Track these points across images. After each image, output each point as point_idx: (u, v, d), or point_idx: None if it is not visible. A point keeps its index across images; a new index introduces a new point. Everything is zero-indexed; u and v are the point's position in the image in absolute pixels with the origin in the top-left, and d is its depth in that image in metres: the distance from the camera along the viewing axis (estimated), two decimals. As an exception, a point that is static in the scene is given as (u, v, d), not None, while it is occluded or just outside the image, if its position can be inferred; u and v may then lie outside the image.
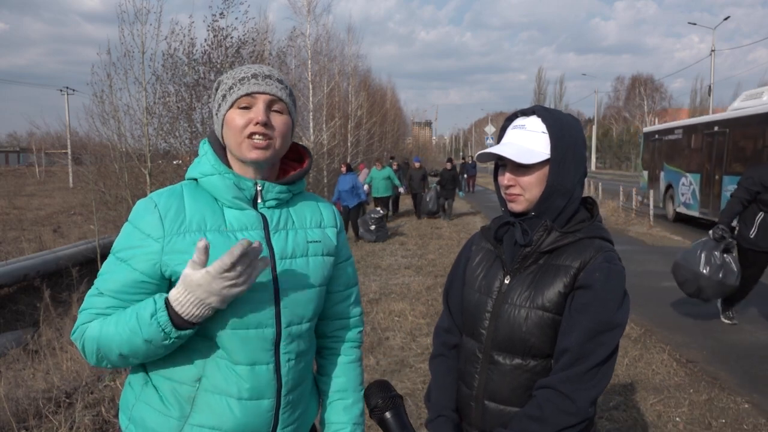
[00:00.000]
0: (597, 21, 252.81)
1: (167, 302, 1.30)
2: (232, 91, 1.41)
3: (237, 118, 1.40)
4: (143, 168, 10.27)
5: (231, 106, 1.41)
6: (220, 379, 1.40)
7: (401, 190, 15.87)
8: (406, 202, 19.78)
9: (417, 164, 17.27)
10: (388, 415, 1.36)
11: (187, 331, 1.31)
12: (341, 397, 1.62)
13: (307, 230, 1.53)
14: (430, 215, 16.35)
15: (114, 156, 10.92)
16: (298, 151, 1.60)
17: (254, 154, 1.40)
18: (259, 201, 1.46)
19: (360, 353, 1.71)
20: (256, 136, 1.39)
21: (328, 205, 1.65)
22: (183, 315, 1.29)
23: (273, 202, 1.48)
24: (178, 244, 1.36)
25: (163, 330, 1.29)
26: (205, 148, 1.49)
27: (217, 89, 1.47)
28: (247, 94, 1.40)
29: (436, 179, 16.83)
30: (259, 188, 1.46)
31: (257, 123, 1.38)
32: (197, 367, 1.41)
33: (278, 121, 1.42)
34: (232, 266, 1.25)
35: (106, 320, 1.35)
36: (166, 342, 1.31)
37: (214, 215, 1.41)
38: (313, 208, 1.58)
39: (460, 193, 17.52)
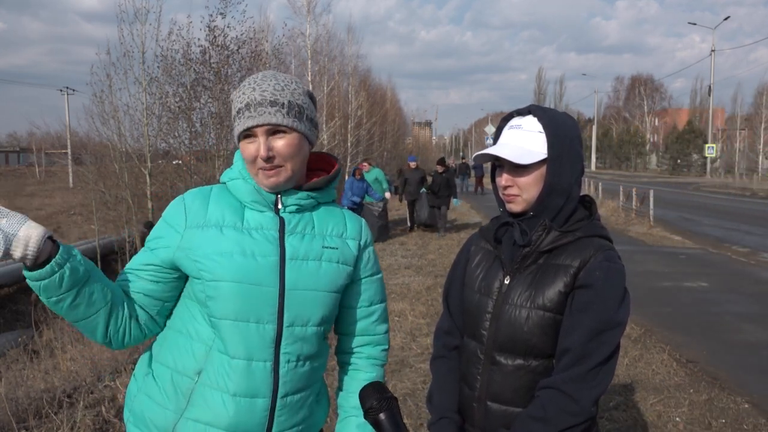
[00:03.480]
0: (598, 20, 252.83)
1: None
2: (236, 122, 1.45)
3: (246, 148, 1.44)
4: (143, 168, 10.27)
5: (239, 140, 1.46)
6: (217, 373, 1.42)
7: (387, 195, 13.45)
8: (400, 212, 17.21)
9: (413, 164, 14.55)
10: (382, 416, 1.36)
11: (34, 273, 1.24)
12: (355, 414, 1.59)
13: (326, 237, 1.53)
14: (424, 226, 14.06)
15: (114, 156, 10.93)
16: (327, 160, 1.62)
17: (269, 182, 1.45)
18: (280, 206, 1.49)
19: (382, 372, 1.67)
20: (265, 167, 1.43)
21: (356, 218, 1.63)
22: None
23: (293, 208, 1.50)
24: (196, 237, 1.43)
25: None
26: (237, 154, 1.55)
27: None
28: (247, 130, 1.42)
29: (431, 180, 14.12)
30: (278, 195, 1.49)
31: (260, 158, 1.42)
32: (200, 359, 1.43)
33: (280, 145, 1.42)
34: None
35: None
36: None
37: (234, 214, 1.47)
38: (337, 218, 1.57)
39: (455, 201, 14.24)
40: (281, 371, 1.44)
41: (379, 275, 1.66)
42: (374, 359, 1.65)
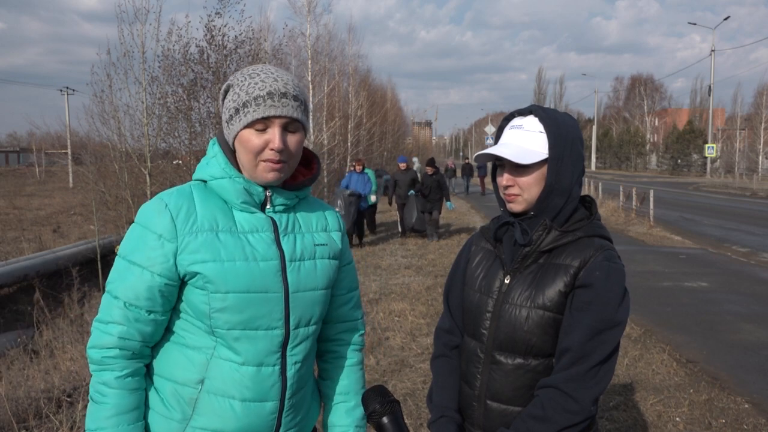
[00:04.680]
0: (598, 20, 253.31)
1: None
2: (246, 109, 1.36)
3: (253, 139, 1.37)
4: (143, 168, 10.25)
5: (245, 126, 1.38)
6: (223, 381, 1.40)
7: (372, 198, 12.34)
8: (391, 214, 16.62)
9: (402, 165, 13.40)
10: (385, 419, 1.36)
11: None
12: (343, 400, 1.62)
13: (314, 234, 1.53)
14: (415, 232, 13.01)
15: (114, 156, 10.93)
16: (306, 155, 1.58)
17: (270, 176, 1.40)
18: (268, 206, 1.46)
19: (362, 356, 1.71)
20: (272, 160, 1.38)
21: (332, 209, 1.64)
22: None
23: (281, 207, 1.48)
24: (191, 244, 1.36)
25: None
26: (215, 149, 1.46)
27: (226, 93, 1.44)
28: (264, 118, 1.36)
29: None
30: (268, 194, 1.46)
31: (272, 149, 1.37)
32: (199, 368, 1.41)
33: (292, 141, 1.41)
34: None
35: (112, 407, 1.36)
36: None
37: (225, 216, 1.41)
38: (318, 212, 1.58)
39: (449, 204, 13.31)
40: (288, 373, 1.45)
41: (353, 262, 1.69)
42: (354, 345, 1.67)
